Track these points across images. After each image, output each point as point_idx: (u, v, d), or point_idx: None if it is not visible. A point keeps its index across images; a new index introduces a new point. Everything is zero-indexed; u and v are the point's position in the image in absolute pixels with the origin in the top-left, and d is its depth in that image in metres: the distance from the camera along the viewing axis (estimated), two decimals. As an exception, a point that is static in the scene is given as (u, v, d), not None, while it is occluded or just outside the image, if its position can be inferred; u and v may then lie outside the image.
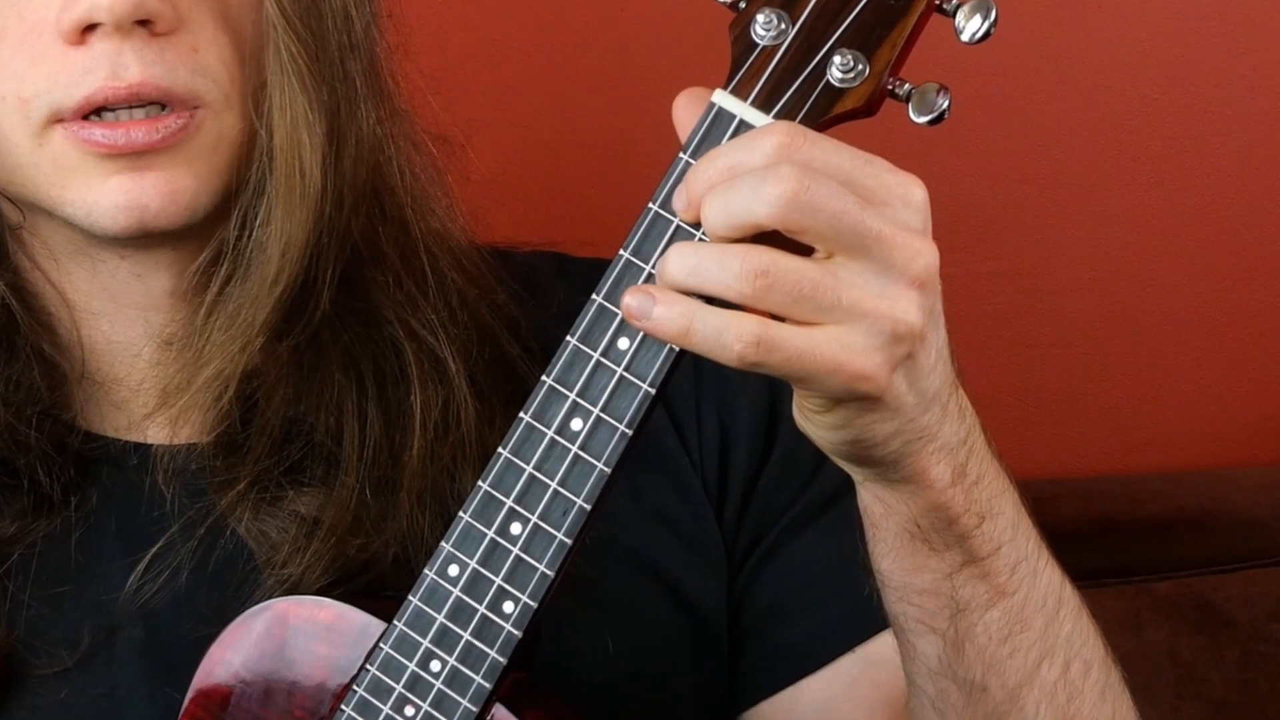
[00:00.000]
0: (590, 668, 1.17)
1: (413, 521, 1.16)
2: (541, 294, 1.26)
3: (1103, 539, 1.72)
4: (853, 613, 1.21)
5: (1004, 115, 1.73)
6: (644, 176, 1.72)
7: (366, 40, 1.16)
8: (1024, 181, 1.76)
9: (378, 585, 1.15)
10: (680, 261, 0.95)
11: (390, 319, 1.18)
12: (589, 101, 1.71)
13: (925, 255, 0.96)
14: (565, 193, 1.72)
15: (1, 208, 1.19)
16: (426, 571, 1.04)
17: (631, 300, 0.96)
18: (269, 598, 1.13)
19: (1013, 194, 1.76)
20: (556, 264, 1.30)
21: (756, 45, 0.99)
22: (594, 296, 1.00)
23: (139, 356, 1.20)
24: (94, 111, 1.11)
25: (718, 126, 0.98)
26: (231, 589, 1.15)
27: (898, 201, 0.96)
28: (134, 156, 1.11)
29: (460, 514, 1.03)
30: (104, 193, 1.12)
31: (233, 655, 1.09)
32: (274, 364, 1.17)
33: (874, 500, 1.05)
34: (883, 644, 1.20)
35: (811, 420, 1.00)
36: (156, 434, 1.20)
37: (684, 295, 0.95)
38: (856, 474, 1.04)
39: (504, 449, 1.01)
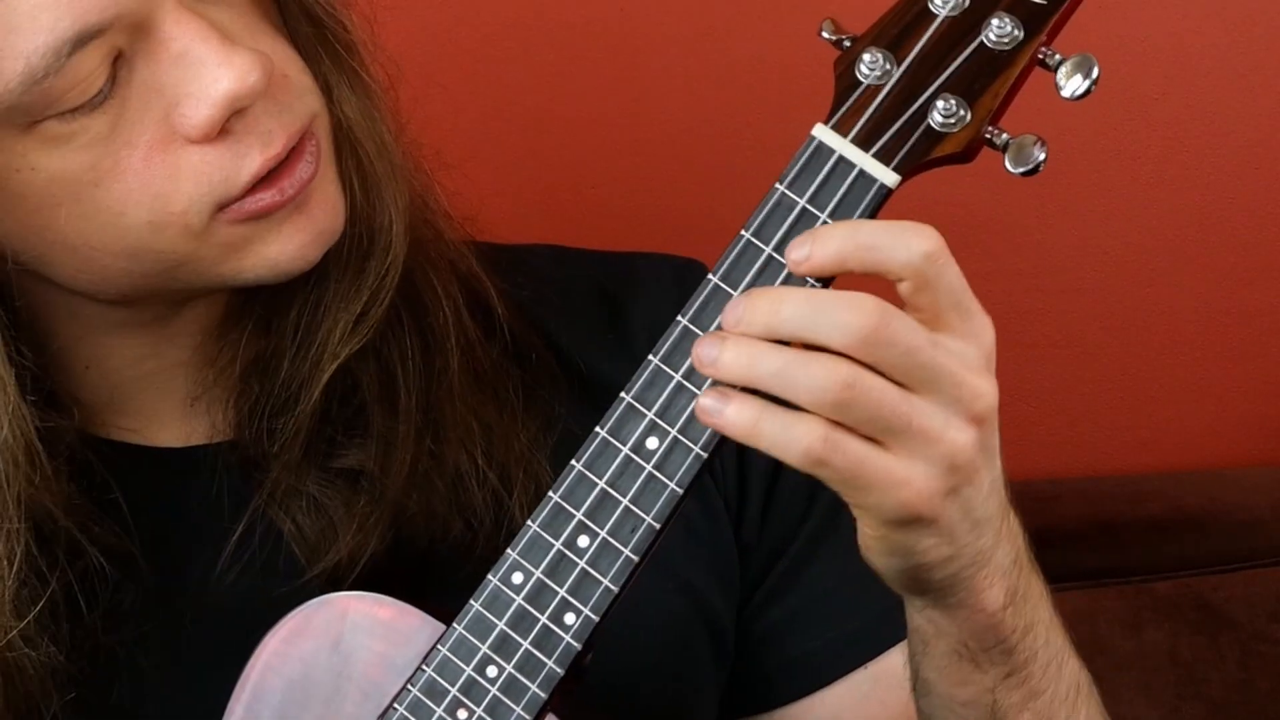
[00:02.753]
0: (604, 663, 1.17)
1: (460, 450, 1.17)
2: (539, 279, 1.26)
3: (1103, 539, 1.72)
4: (869, 627, 1.23)
5: (1003, 115, 1.73)
6: (644, 176, 1.73)
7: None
8: (1024, 181, 1.76)
9: (440, 532, 1.16)
10: (769, 365, 0.96)
11: (389, 245, 1.17)
12: (589, 100, 1.71)
13: (987, 396, 0.98)
14: (566, 193, 1.72)
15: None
16: (490, 577, 1.04)
17: (708, 401, 0.97)
18: (332, 563, 1.14)
19: (1013, 194, 1.76)
20: (552, 253, 1.30)
21: (860, 83, 1.00)
22: (679, 319, 1.00)
23: (183, 373, 1.19)
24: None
25: (816, 160, 1.00)
26: (279, 584, 1.15)
27: (969, 337, 0.98)
28: (297, 200, 1.09)
29: (529, 523, 1.03)
30: (285, 244, 1.10)
31: (289, 647, 1.09)
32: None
33: (926, 622, 1.07)
34: (893, 660, 1.22)
35: (872, 547, 1.02)
36: (197, 434, 1.20)
37: (750, 394, 0.97)
38: (916, 601, 1.06)
39: (577, 462, 1.02)
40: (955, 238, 1.77)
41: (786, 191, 1.00)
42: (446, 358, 1.17)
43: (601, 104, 1.72)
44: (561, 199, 1.72)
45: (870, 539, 1.01)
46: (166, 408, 1.20)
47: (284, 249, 1.10)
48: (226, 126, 1.06)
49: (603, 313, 1.25)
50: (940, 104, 0.99)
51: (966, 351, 0.98)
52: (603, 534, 1.02)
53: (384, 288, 1.14)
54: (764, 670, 1.25)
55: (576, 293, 1.26)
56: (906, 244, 0.96)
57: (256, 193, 1.08)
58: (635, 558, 1.01)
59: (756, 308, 0.97)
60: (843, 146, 1.00)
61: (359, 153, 1.13)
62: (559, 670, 1.03)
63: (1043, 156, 1.01)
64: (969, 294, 0.99)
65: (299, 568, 1.16)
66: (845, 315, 0.95)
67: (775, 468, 1.25)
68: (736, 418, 0.96)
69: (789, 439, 0.96)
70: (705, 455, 1.00)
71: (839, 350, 0.95)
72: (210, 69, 1.04)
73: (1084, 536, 1.72)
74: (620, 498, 1.01)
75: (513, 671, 1.04)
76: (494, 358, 1.20)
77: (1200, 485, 1.76)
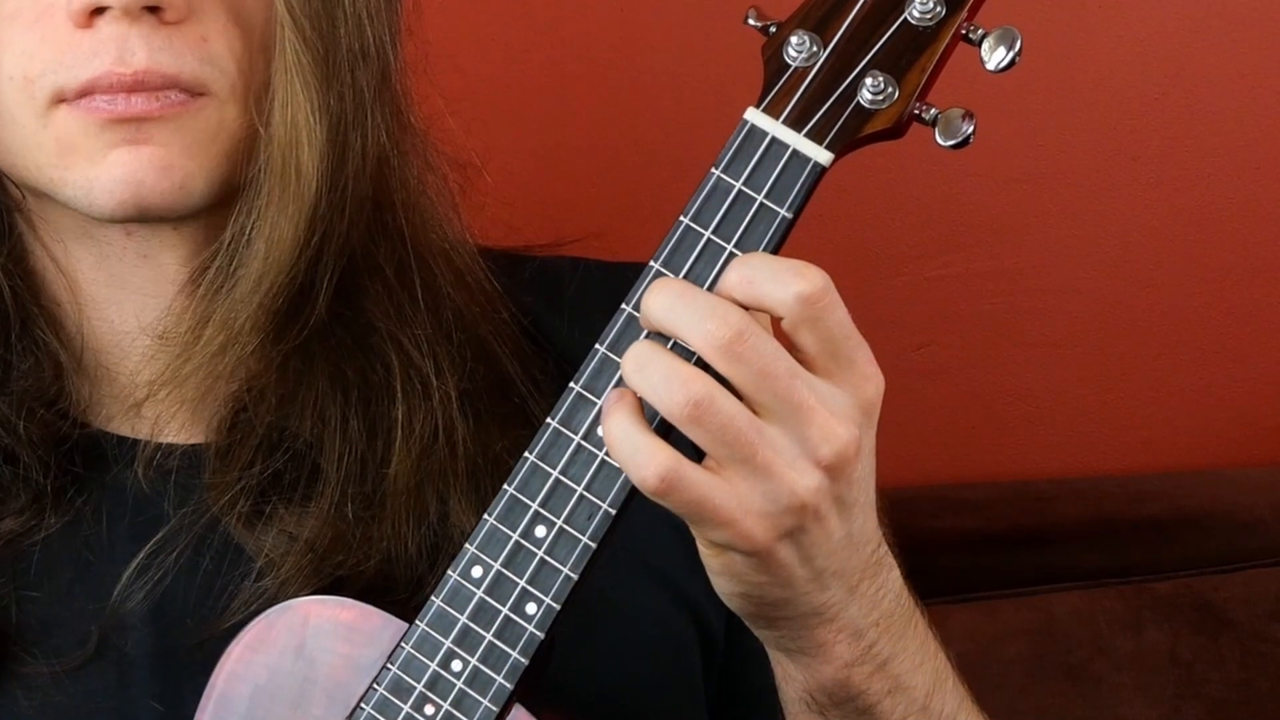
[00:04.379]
0: (599, 671, 1.17)
1: (396, 539, 1.16)
2: (557, 292, 1.26)
3: (1103, 539, 1.72)
4: None
5: (1004, 115, 1.73)
6: (649, 183, 1.73)
7: (380, 51, 1.16)
8: (1024, 181, 1.76)
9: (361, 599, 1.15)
10: (633, 358, 0.98)
11: (380, 331, 1.18)
12: (595, 109, 1.72)
13: (837, 443, 0.97)
14: (573, 199, 1.72)
15: (5, 188, 1.19)
16: (450, 572, 1.04)
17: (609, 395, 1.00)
18: (247, 610, 1.13)
19: (1013, 194, 1.76)
20: (572, 264, 1.30)
21: (789, 66, 1.01)
22: (623, 306, 1.02)
23: (136, 347, 1.19)
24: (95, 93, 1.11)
25: (750, 143, 1.01)
26: (232, 590, 1.15)
27: (845, 385, 0.98)
28: (133, 128, 1.11)
29: (485, 516, 1.04)
30: (104, 167, 1.11)
31: (253, 654, 1.09)
32: (265, 368, 1.16)
33: (775, 664, 1.08)
34: None
35: (708, 563, 1.02)
36: (154, 430, 1.19)
37: (631, 407, 0.98)
38: (759, 636, 1.06)
39: (530, 453, 1.03)
40: (955, 238, 1.78)
41: (722, 175, 1.01)
42: (390, 450, 1.17)
43: (608, 111, 1.72)
44: (570, 205, 1.72)
45: (705, 555, 1.02)
46: (136, 389, 1.20)
47: (100, 175, 1.12)
48: (101, 24, 1.10)
49: None
50: (869, 81, 1.00)
51: (833, 394, 0.98)
52: (559, 523, 1.02)
53: (261, 312, 1.14)
54: (751, 689, 1.24)
55: (593, 304, 1.25)
56: (784, 283, 0.97)
57: (94, 96, 1.11)
58: (593, 545, 1.02)
59: (644, 299, 0.99)
60: (775, 128, 1.01)
61: (271, 168, 1.13)
62: (523, 660, 1.03)
63: (970, 129, 1.00)
64: (853, 343, 0.98)
65: (244, 581, 1.16)
66: (707, 322, 0.96)
67: None
68: (605, 425, 0.98)
69: (635, 463, 0.97)
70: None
71: (700, 354, 0.97)
72: None
73: (1084, 536, 1.72)
74: (575, 486, 1.02)
75: (477, 664, 1.04)
76: (487, 440, 1.19)
77: (1200, 485, 1.76)
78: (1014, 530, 1.72)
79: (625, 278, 1.26)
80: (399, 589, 1.14)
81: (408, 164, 1.20)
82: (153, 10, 1.10)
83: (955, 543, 1.70)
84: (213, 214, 1.15)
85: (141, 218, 1.13)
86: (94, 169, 1.12)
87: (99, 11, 1.10)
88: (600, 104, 1.72)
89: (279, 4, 1.11)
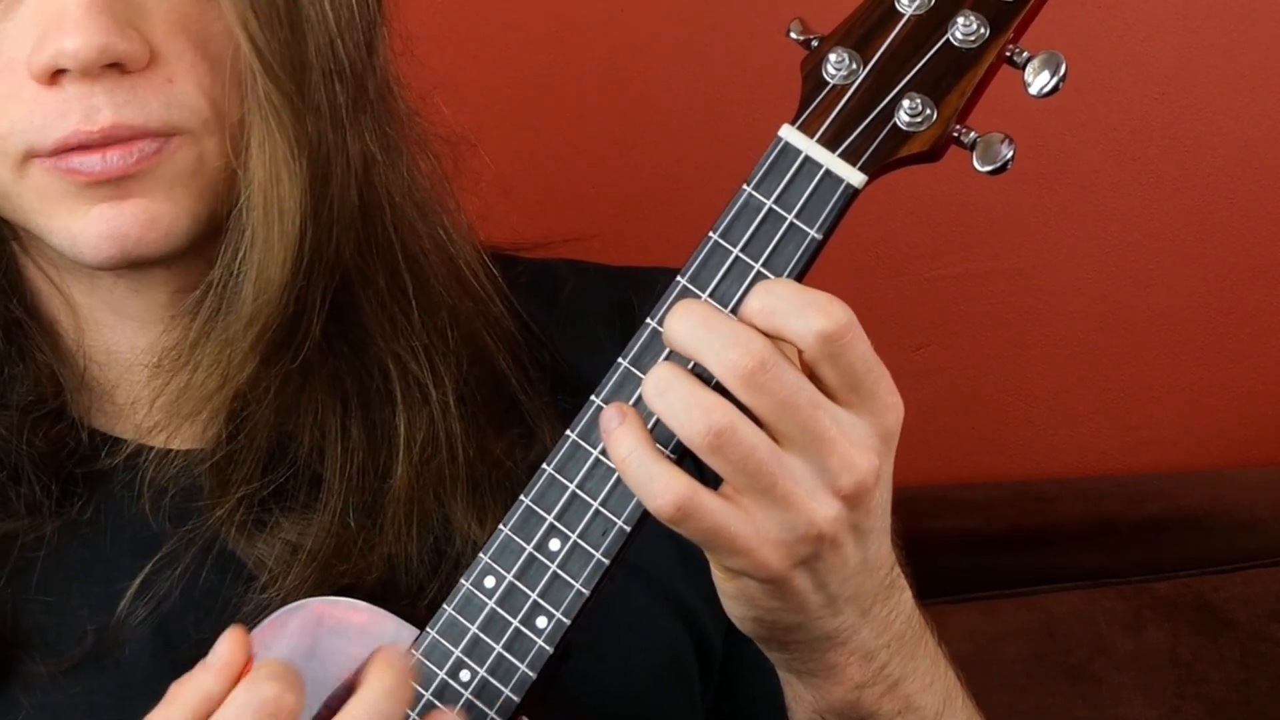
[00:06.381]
0: (595, 679, 1.17)
1: (398, 545, 1.15)
2: (554, 295, 1.26)
3: (1103, 539, 1.72)
4: None
5: (1004, 115, 1.73)
6: (644, 178, 1.73)
7: (354, 64, 1.13)
8: (1024, 181, 1.77)
9: (378, 593, 1.14)
10: (654, 382, 0.97)
11: (376, 340, 1.17)
12: (590, 103, 1.72)
13: (857, 473, 0.97)
14: (566, 194, 1.72)
15: None
16: (463, 581, 1.04)
17: (608, 411, 0.99)
18: (251, 620, 1.12)
19: (1013, 194, 1.76)
20: (571, 267, 1.30)
21: (827, 83, 1.00)
22: (648, 321, 1.00)
23: (134, 368, 1.19)
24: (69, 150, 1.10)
25: (783, 161, 0.99)
26: (236, 603, 1.15)
27: (865, 415, 0.97)
28: (113, 185, 1.09)
29: (500, 527, 1.03)
30: (88, 222, 1.10)
31: (265, 651, 1.08)
32: (264, 389, 1.15)
33: (786, 685, 1.08)
34: None
35: (721, 587, 1.02)
36: (155, 440, 1.19)
37: (637, 428, 0.97)
38: (771, 658, 1.06)
39: (548, 465, 1.02)
40: (957, 237, 1.78)
41: (753, 193, 0.99)
42: (392, 458, 1.16)
43: (603, 105, 1.72)
44: (564, 201, 1.72)
45: (719, 579, 1.01)
46: (135, 406, 1.19)
47: (84, 230, 1.10)
48: (65, 83, 1.08)
49: (617, 328, 1.25)
50: (906, 103, 0.98)
51: (854, 424, 0.97)
52: (573, 537, 1.01)
53: (253, 349, 1.13)
54: (749, 697, 1.24)
55: (593, 309, 1.25)
56: (806, 318, 0.95)
57: (69, 155, 1.09)
58: (606, 561, 1.01)
59: (668, 321, 0.97)
60: (809, 147, 0.99)
61: (252, 207, 1.11)
62: (531, 674, 1.03)
63: (1010, 154, 0.99)
64: (874, 376, 0.97)
65: (248, 587, 1.15)
66: (730, 350, 0.95)
67: None
68: (614, 442, 0.97)
69: (649, 491, 0.96)
70: (675, 458, 0.99)
71: (721, 381, 0.96)
72: (63, 23, 1.06)
73: (1084, 536, 1.72)
74: (590, 501, 1.01)
75: (485, 675, 1.03)
76: (484, 443, 1.18)
77: (1200, 485, 1.77)
78: (1014, 530, 1.72)
79: (624, 282, 1.27)
80: (402, 596, 1.14)
81: (396, 154, 1.18)
82: (115, 64, 1.08)
83: (955, 543, 1.70)
84: (201, 248, 1.14)
85: (130, 267, 1.12)
86: (77, 222, 1.11)
87: (61, 71, 1.08)
88: (600, 104, 1.72)
89: (244, 44, 1.09)
